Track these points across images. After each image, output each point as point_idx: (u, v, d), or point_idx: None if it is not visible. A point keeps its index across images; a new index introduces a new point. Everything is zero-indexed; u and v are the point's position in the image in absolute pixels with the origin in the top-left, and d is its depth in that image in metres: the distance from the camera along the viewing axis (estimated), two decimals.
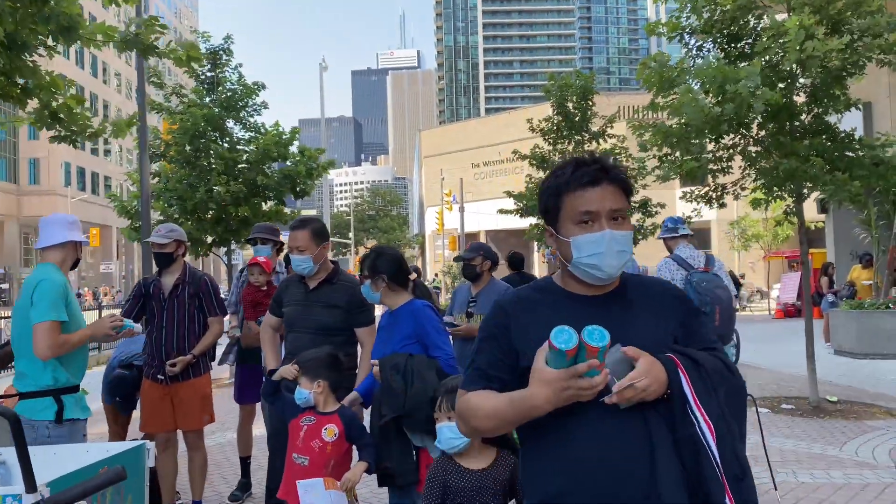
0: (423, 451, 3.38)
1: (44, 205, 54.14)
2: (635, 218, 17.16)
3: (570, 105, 17.47)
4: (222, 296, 4.92)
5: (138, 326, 3.86)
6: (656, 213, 17.14)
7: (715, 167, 8.57)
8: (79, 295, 34.58)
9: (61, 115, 4.71)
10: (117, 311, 4.45)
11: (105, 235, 56.74)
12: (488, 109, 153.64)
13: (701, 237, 45.88)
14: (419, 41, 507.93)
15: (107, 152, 66.48)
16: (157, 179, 12.42)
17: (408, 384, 3.29)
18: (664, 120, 8.98)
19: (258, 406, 5.34)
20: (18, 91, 4.31)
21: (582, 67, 22.40)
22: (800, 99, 8.31)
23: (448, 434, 2.80)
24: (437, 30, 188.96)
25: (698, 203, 9.48)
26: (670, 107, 8.58)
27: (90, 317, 15.49)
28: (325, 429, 3.36)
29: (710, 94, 7.88)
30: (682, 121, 8.06)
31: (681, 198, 9.54)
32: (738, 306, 24.13)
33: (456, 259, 5.43)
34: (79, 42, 4.24)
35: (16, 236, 55.22)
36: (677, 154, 8.65)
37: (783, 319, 22.98)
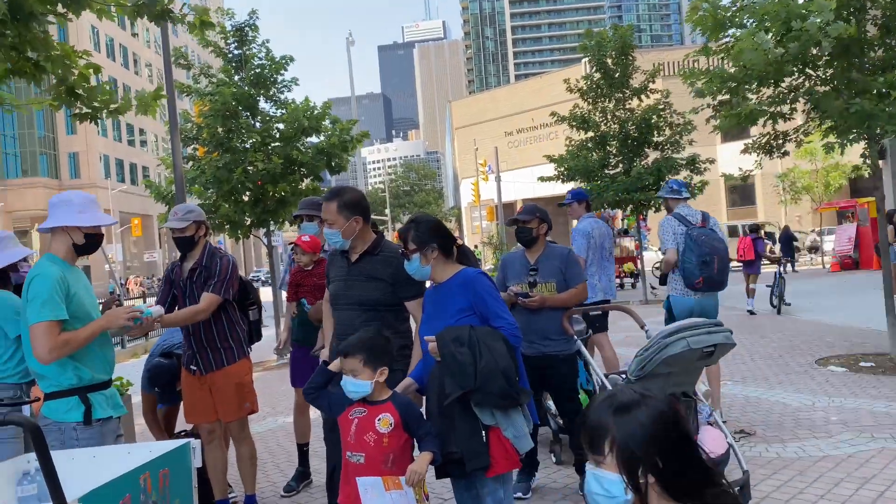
0: (493, 431, 3.04)
1: None
2: (683, 174, 16.46)
3: (609, 61, 16.74)
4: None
5: (157, 309, 3.53)
6: (705, 169, 16.40)
7: (776, 111, 7.95)
8: (121, 285, 34.91)
9: (79, 91, 4.42)
10: (152, 300, 4.14)
11: (147, 225, 57.60)
12: (518, 76, 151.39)
13: (744, 192, 44.61)
14: (444, 11, 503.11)
15: (143, 143, 67.21)
16: (191, 164, 12.23)
17: (476, 356, 2.95)
18: (718, 65, 8.39)
19: None
20: (31, 66, 4.03)
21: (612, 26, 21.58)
22: (870, 32, 7.63)
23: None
24: None
25: (758, 154, 8.88)
26: (725, 51, 7.99)
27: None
28: (379, 419, 2.96)
29: (772, 34, 7.28)
30: (741, 65, 7.46)
31: (742, 151, 8.90)
32: (792, 268, 23.28)
33: (509, 222, 4.91)
34: (88, 10, 3.92)
35: None
36: (735, 101, 8.06)
37: (839, 272, 22.11)
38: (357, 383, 2.95)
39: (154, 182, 12.23)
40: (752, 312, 13.36)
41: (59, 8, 3.84)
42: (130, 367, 10.46)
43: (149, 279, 53.40)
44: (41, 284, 3.06)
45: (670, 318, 5.88)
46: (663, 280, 6.07)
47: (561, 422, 5.31)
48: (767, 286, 13.90)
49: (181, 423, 5.21)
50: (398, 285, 3.53)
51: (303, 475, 5.22)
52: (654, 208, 16.68)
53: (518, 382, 3.10)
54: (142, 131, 67.10)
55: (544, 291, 4.54)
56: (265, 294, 10.35)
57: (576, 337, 4.60)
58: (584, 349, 4.70)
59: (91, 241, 3.26)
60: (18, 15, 3.56)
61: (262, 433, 7.01)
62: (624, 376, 4.17)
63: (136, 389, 5.38)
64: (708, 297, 5.80)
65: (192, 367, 4.34)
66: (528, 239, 4.70)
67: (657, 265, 20.68)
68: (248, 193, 11.51)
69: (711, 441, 3.96)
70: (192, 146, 12.32)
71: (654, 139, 16.81)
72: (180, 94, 12.72)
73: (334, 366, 3.07)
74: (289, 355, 5.52)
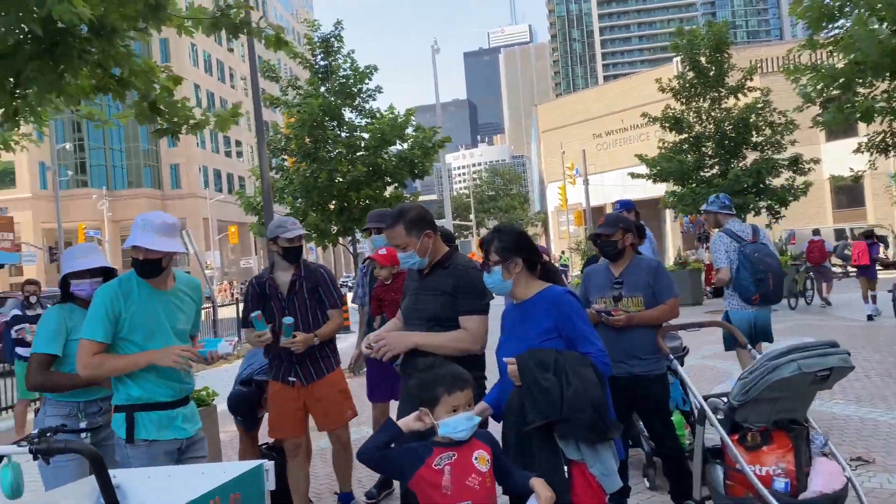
0: (576, 466, 2.76)
1: (186, 207, 57.86)
2: (785, 177, 15.55)
3: (702, 59, 16.03)
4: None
5: (224, 346, 3.21)
6: (810, 169, 15.42)
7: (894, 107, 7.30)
8: (207, 298, 35.63)
9: (161, 107, 4.48)
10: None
11: (243, 232, 59.81)
12: (606, 77, 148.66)
13: (852, 193, 41.98)
14: (530, 15, 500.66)
15: (239, 154, 69.90)
16: (280, 174, 12.48)
17: (563, 383, 2.70)
18: (825, 60, 7.79)
19: (392, 404, 4.96)
20: (115, 82, 4.10)
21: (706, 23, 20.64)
22: None
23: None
24: (548, 1, 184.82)
25: (871, 153, 8.20)
26: (833, 44, 7.41)
27: (227, 312, 15.88)
28: (476, 457, 2.55)
29: (886, 23, 6.68)
30: (853, 58, 6.88)
31: (855, 150, 8.24)
32: None
33: (592, 238, 4.58)
34: (169, 26, 3.96)
35: None
36: (845, 98, 7.45)
37: None
38: (472, 417, 2.56)
39: (244, 193, 12.56)
40: (871, 318, 12.53)
41: (140, 23, 3.89)
42: (224, 374, 10.68)
43: (242, 284, 55.39)
44: (95, 300, 3.10)
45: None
46: (719, 293, 5.79)
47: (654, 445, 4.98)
48: (889, 291, 12.97)
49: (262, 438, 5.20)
50: (459, 297, 3.32)
51: (384, 484, 5.14)
52: (753, 212, 15.85)
53: (608, 414, 2.84)
54: (238, 143, 69.83)
55: (630, 306, 4.21)
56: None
57: (671, 355, 4.27)
58: (679, 368, 4.37)
59: (146, 264, 3.16)
60: (102, 31, 3.62)
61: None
62: (725, 399, 3.83)
63: (223, 398, 5.39)
64: (764, 310, 5.83)
65: (291, 379, 4.34)
66: (612, 253, 4.39)
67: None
68: (333, 202, 11.63)
69: (827, 475, 3.56)
70: (281, 157, 12.57)
71: (753, 139, 15.97)
72: (271, 107, 13.02)
73: (415, 422, 2.55)
74: (364, 370, 5.50)
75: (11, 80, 4.15)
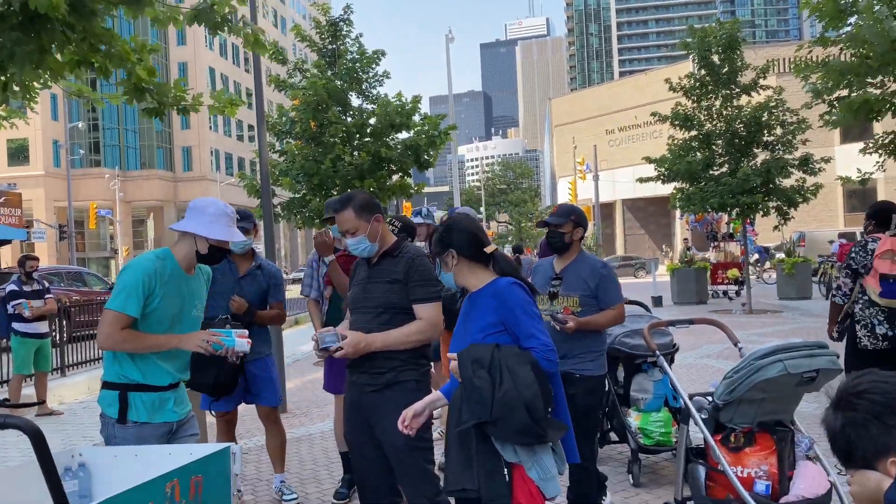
0: (516, 469, 2.65)
1: (195, 190, 58.01)
2: (794, 178, 15.35)
3: (714, 58, 15.82)
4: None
5: (242, 343, 3.14)
6: (820, 170, 15.22)
7: None
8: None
9: (148, 87, 4.43)
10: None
11: None
12: (622, 73, 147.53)
13: (865, 197, 41.54)
14: (548, 8, 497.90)
15: (251, 138, 70.01)
16: (283, 157, 12.39)
17: (495, 382, 2.58)
18: (836, 56, 7.63)
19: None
20: (100, 58, 4.03)
21: (717, 21, 20.25)
22: None
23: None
24: None
25: (880, 155, 8.04)
26: (843, 40, 7.27)
27: None
28: None
29: None
30: (863, 51, 6.74)
31: (861, 150, 8.09)
32: None
33: (540, 224, 4.36)
34: (146, 14, 3.89)
35: (173, 220, 59.45)
36: (854, 95, 7.30)
37: None
38: None
39: (248, 175, 12.48)
40: None
41: (115, 11, 3.84)
42: None
43: None
44: (131, 274, 3.01)
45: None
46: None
47: (640, 441, 4.91)
48: None
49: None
50: (410, 285, 3.27)
51: (352, 483, 5.03)
52: (761, 212, 15.66)
53: (551, 414, 2.70)
54: (250, 127, 69.93)
55: (566, 304, 4.00)
56: None
57: (658, 352, 4.18)
58: (666, 364, 4.28)
59: (214, 253, 3.17)
60: (81, 11, 3.56)
61: (303, 437, 6.85)
62: (710, 399, 3.75)
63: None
64: None
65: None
66: (559, 245, 4.05)
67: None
68: (336, 189, 11.54)
69: (810, 479, 3.48)
70: (286, 140, 12.50)
71: (765, 138, 15.75)
72: (276, 89, 12.93)
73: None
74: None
75: None
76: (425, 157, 12.02)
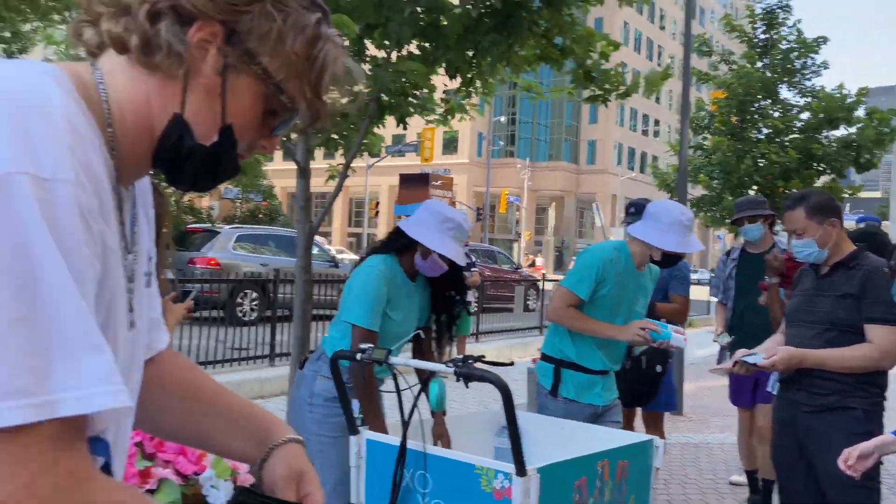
0: None
1: (596, 182, 60.06)
2: None
3: None
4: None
5: (679, 339, 3.14)
6: None
7: None
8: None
9: (594, 74, 4.60)
10: None
11: None
12: None
13: None
14: None
15: (656, 133, 69.68)
16: (699, 153, 11.99)
17: None
18: None
19: (760, 407, 4.40)
20: (557, 51, 4.32)
21: None
22: None
23: None
24: None
25: None
26: None
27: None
28: None
29: None
30: None
31: None
32: None
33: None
34: None
35: (573, 210, 62.61)
36: None
37: None
38: None
39: (660, 170, 12.38)
40: None
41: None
42: None
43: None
44: (589, 258, 3.21)
45: None
46: None
47: None
48: None
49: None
50: (864, 301, 2.84)
51: None
52: None
53: None
54: (657, 122, 69.56)
55: None
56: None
57: None
58: None
59: (668, 258, 3.19)
60: (553, 2, 3.83)
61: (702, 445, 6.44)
62: None
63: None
64: None
65: None
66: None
67: None
68: (755, 187, 10.75)
69: None
70: (703, 135, 12.08)
71: None
72: (697, 84, 12.57)
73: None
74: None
75: (470, 52, 4.67)
76: (866, 156, 10.48)
